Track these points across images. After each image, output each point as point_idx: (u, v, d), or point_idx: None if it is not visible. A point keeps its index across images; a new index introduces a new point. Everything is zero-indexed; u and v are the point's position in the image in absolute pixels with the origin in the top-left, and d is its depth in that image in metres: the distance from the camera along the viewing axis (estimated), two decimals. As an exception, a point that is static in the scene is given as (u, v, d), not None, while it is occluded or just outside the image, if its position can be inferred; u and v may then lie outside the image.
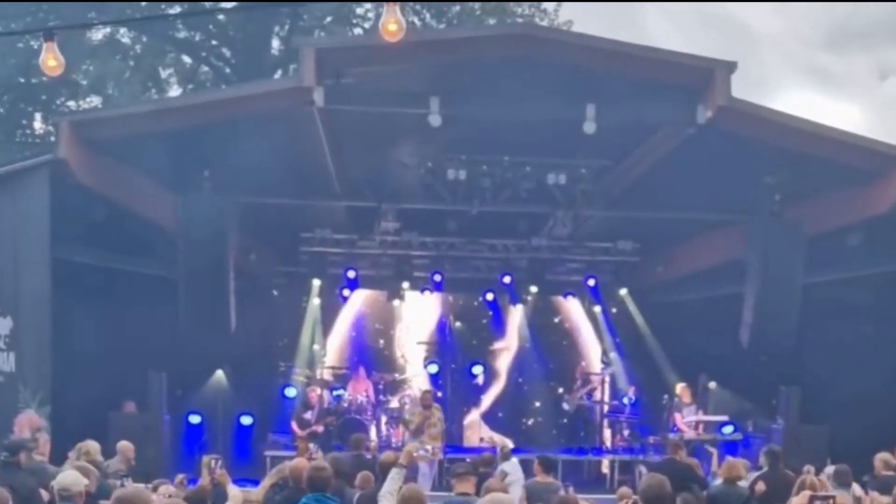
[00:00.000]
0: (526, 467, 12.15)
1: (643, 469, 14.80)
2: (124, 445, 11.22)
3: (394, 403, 17.56)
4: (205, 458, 9.08)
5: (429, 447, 14.38)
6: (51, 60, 8.91)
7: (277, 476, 9.21)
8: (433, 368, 18.74)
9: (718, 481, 10.86)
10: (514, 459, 12.55)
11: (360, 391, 17.45)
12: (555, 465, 13.31)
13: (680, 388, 16.87)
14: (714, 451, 13.46)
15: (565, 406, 18.72)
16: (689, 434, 15.96)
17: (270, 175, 14.00)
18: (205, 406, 16.64)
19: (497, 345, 20.23)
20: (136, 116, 13.41)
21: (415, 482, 10.35)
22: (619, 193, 16.07)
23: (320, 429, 16.22)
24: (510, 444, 14.33)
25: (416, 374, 19.13)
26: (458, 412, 19.28)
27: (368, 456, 12.12)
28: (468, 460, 11.38)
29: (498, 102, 13.32)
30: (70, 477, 6.49)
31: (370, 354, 19.50)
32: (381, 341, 20.02)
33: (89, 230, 13.32)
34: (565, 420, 18.92)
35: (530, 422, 20.02)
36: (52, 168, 12.61)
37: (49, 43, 8.92)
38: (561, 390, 19.29)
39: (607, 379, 19.12)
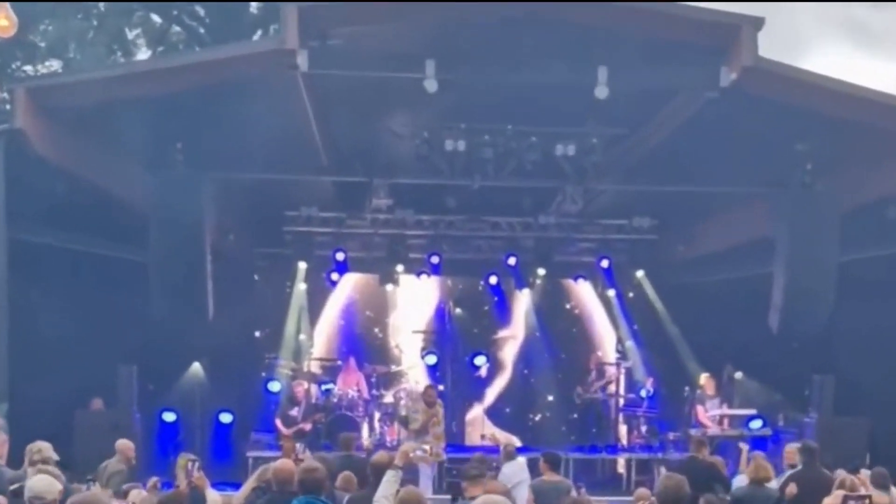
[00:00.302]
0: (533, 467, 12.14)
1: (663, 468, 14.82)
2: (124, 444, 11.31)
3: (388, 398, 17.59)
4: (180, 460, 9.05)
5: (427, 447, 14.34)
6: (2, 20, 8.80)
7: (259, 479, 9.16)
8: (431, 359, 18.70)
9: (744, 482, 10.82)
10: (521, 459, 12.57)
11: (350, 385, 17.46)
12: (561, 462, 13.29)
13: (703, 378, 16.92)
14: (745, 448, 13.40)
15: (577, 399, 18.71)
16: (713, 429, 16.02)
17: (250, 148, 13.97)
18: (180, 402, 16.61)
19: (501, 333, 20.22)
20: (100, 82, 13.32)
21: (415, 485, 10.35)
22: (635, 165, 16.00)
23: (307, 426, 16.23)
24: (516, 443, 14.34)
25: (413, 366, 19.11)
26: (458, 407, 19.29)
27: (362, 455, 12.11)
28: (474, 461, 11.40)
29: (501, 65, 13.21)
30: (43, 482, 6.43)
31: (362, 344, 19.50)
32: (374, 330, 20.01)
33: (50, 208, 13.25)
34: (576, 415, 18.93)
35: (538, 417, 20.05)
36: (8, 139, 12.54)
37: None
38: (573, 383, 19.24)
39: (623, 370, 19.12)
